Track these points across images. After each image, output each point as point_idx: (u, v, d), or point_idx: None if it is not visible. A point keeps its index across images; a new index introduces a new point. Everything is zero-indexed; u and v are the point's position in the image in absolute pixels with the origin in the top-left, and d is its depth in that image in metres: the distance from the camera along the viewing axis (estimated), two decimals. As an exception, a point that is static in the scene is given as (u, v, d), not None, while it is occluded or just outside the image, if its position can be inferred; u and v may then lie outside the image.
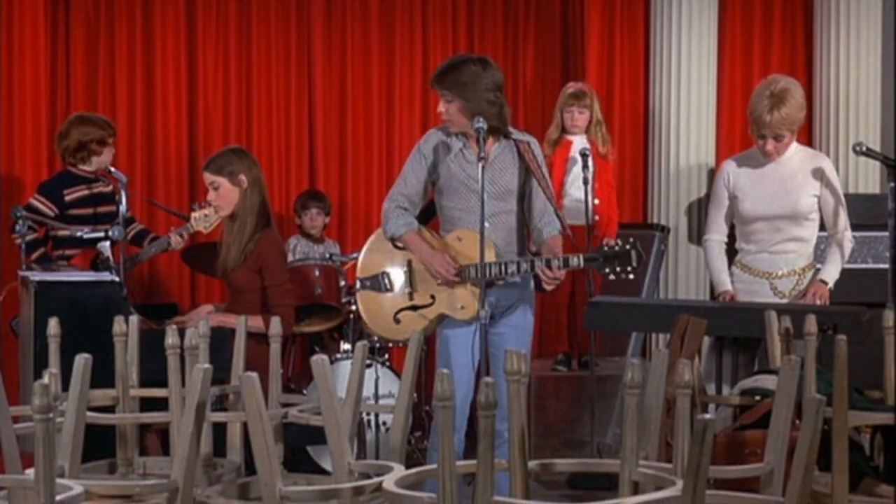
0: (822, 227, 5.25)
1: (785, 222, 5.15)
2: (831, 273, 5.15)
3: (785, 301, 5.11)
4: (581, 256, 4.57)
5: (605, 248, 4.56)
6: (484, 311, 4.48)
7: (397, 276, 4.77)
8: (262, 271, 5.29)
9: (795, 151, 5.23)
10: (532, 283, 4.81)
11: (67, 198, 6.07)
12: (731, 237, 5.36)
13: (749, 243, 5.23)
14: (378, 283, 4.79)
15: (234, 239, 5.30)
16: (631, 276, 4.59)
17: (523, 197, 4.78)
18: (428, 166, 4.75)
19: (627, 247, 4.52)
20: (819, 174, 5.15)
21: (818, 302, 5.05)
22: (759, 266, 5.19)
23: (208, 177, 5.34)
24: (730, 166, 5.31)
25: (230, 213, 5.33)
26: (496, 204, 4.61)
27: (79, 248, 6.00)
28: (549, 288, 4.65)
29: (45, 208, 6.02)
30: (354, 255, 5.88)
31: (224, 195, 5.32)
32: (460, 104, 4.65)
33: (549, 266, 4.53)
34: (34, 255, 5.88)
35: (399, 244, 4.77)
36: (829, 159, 5.41)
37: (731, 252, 5.35)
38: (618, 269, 4.54)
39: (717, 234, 5.33)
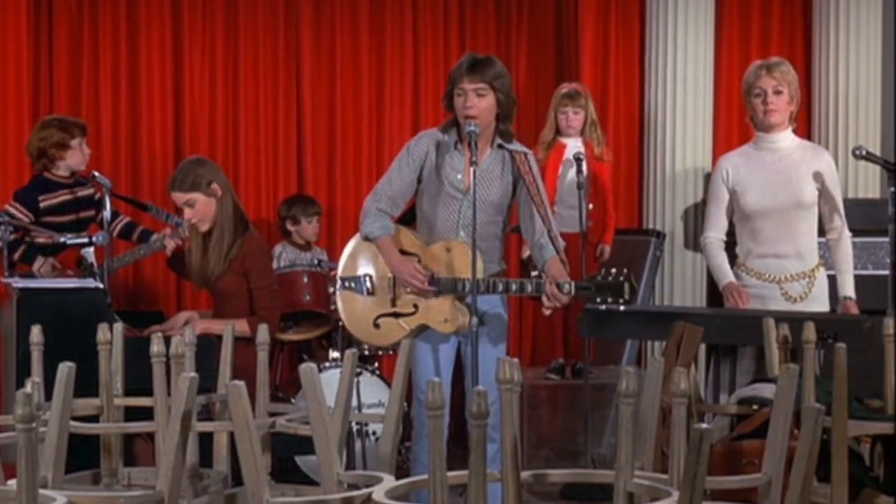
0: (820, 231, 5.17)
1: (789, 214, 5.01)
2: (851, 283, 5.08)
3: (797, 306, 5.01)
4: (573, 284, 4.52)
5: (598, 278, 4.52)
6: (475, 319, 4.43)
7: (380, 280, 4.71)
8: (247, 274, 5.27)
9: (796, 146, 5.11)
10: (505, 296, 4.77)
11: (42, 204, 5.92)
12: (731, 237, 5.23)
13: (753, 242, 5.08)
14: (360, 284, 4.73)
15: (213, 247, 5.26)
16: (622, 308, 4.53)
17: (506, 209, 4.73)
18: (415, 167, 4.68)
19: (621, 278, 4.48)
20: (820, 166, 5.04)
21: None
22: (768, 270, 5.06)
23: (180, 196, 5.27)
24: (727, 161, 5.17)
25: (209, 226, 5.27)
26: (477, 214, 4.47)
27: (60, 254, 5.92)
28: (548, 312, 4.63)
29: (20, 215, 5.85)
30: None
31: (201, 210, 5.27)
32: (493, 101, 4.58)
33: (538, 290, 4.50)
34: (16, 255, 5.77)
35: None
36: (828, 152, 5.34)
37: (732, 255, 5.21)
38: (609, 299, 4.49)
39: (715, 232, 5.18)
